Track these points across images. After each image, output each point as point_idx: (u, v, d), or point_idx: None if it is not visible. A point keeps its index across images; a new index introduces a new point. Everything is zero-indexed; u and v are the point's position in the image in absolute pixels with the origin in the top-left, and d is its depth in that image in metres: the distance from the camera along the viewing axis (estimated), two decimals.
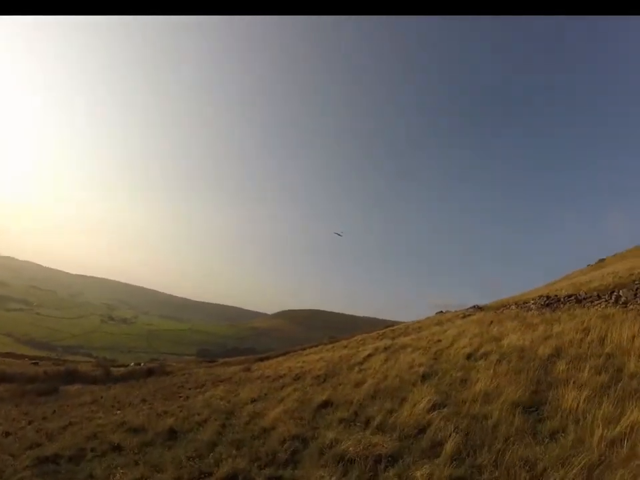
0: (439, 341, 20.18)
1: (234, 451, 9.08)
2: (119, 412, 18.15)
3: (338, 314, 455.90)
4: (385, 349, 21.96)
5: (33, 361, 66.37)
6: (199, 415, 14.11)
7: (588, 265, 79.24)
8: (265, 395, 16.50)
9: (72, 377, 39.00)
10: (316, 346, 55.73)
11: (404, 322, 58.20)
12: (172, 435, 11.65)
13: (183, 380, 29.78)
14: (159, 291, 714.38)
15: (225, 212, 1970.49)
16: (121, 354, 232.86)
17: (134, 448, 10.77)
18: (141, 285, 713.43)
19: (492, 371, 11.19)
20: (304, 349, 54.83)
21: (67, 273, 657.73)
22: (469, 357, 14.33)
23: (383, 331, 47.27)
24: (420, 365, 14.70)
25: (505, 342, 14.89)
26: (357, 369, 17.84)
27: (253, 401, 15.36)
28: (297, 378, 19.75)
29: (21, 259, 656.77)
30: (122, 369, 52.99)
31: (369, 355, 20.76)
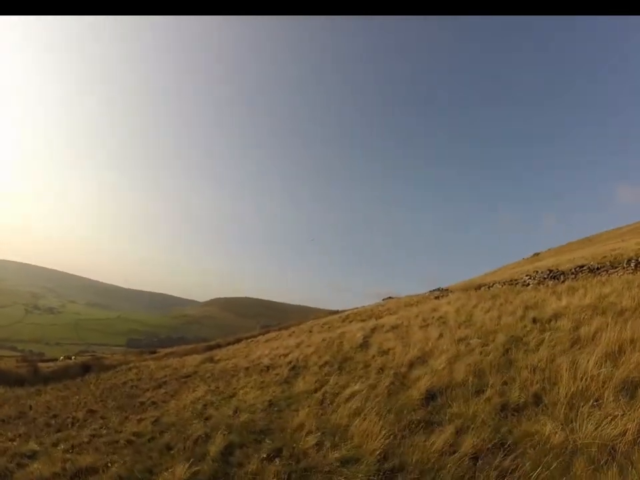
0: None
1: None
2: (59, 435, 12.71)
3: (269, 302, 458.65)
4: (376, 328, 19.34)
5: None
6: (205, 439, 9.05)
7: (523, 258, 79.96)
8: (285, 394, 12.33)
9: None
10: (265, 333, 53.26)
11: (348, 309, 56.87)
12: None
13: (132, 376, 24.16)
14: (87, 277, 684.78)
15: (157, 197, 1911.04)
16: (48, 347, 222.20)
17: None
18: (67, 271, 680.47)
19: None
20: (255, 336, 51.63)
21: None
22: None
23: (343, 315, 44.55)
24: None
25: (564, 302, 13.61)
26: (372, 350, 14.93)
27: (271, 404, 11.40)
28: (293, 367, 16.27)
29: None
30: (52, 365, 46.78)
31: (366, 337, 17.72)
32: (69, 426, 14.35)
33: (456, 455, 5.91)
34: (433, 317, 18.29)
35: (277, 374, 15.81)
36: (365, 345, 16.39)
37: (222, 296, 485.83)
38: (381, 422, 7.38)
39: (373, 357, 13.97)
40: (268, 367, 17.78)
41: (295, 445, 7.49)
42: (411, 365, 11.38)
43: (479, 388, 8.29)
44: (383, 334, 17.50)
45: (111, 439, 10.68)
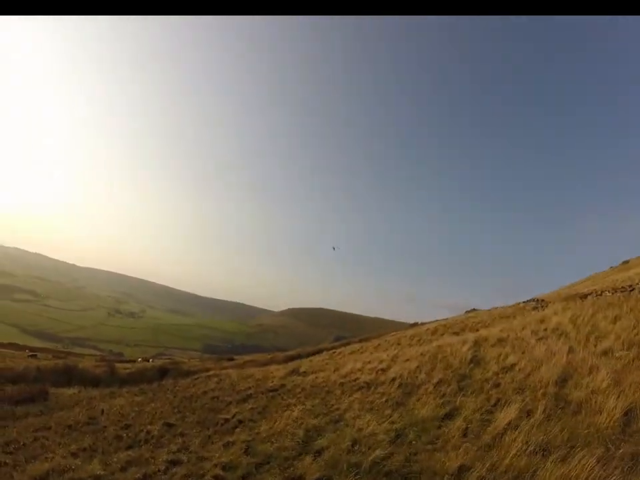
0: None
1: None
2: (130, 454, 10.47)
3: (342, 312, 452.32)
4: (479, 342, 16.95)
5: (32, 353, 60.46)
6: None
7: (610, 267, 73.87)
8: (406, 420, 9.65)
9: (70, 375, 32.07)
10: (346, 344, 52.13)
11: (428, 322, 55.45)
12: None
13: (213, 386, 21.80)
14: (166, 285, 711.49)
15: (236, 210, 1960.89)
16: (128, 348, 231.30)
17: None
18: (148, 279, 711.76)
19: None
20: (335, 348, 50.40)
21: (75, 265, 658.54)
22: None
23: (430, 327, 40.93)
24: None
25: None
26: (490, 367, 12.77)
27: (398, 435, 8.77)
28: (400, 385, 13.60)
29: (30, 250, 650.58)
30: (129, 366, 46.23)
31: (474, 351, 15.40)
32: (142, 442, 12.20)
33: None
34: (545, 329, 16.18)
35: (383, 393, 13.23)
36: (475, 360, 14.21)
37: (296, 306, 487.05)
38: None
39: (496, 374, 11.82)
40: (368, 384, 15.07)
41: None
42: (558, 384, 9.36)
43: None
44: (492, 348, 15.30)
45: (194, 471, 8.31)
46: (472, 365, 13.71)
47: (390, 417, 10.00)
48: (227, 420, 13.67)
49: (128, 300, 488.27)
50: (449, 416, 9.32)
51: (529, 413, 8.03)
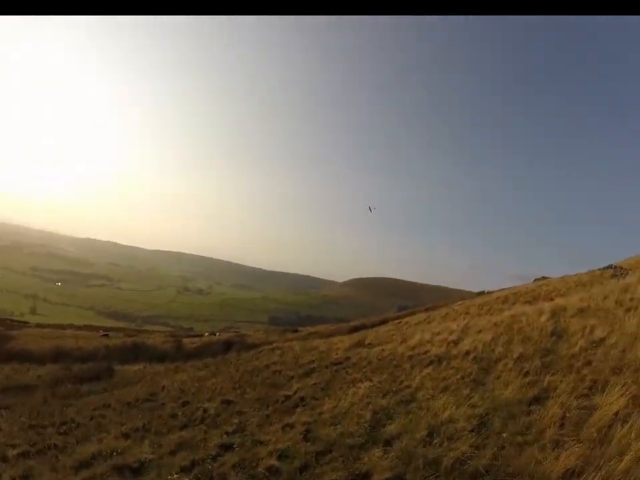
0: None
1: None
2: (182, 436, 9.71)
3: (405, 282, 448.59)
4: (557, 311, 15.47)
5: (104, 333, 62.92)
6: None
7: None
8: (487, 403, 8.34)
9: (137, 352, 32.60)
10: (411, 314, 50.77)
11: (496, 290, 53.36)
12: None
13: (276, 359, 21.07)
14: (231, 261, 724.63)
15: (292, 183, 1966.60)
16: (197, 323, 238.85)
17: None
18: (214, 257, 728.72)
19: None
20: (401, 317, 49.22)
21: (144, 249, 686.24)
22: None
23: (500, 295, 40.08)
24: None
25: None
26: (575, 340, 11.35)
27: (481, 421, 7.46)
28: (474, 359, 12.39)
29: (102, 239, 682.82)
30: (196, 340, 46.88)
31: (554, 322, 14.00)
32: (198, 422, 11.55)
33: None
34: (632, 299, 14.27)
35: (457, 368, 11.89)
36: (557, 332, 12.73)
37: (359, 276, 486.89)
38: None
39: (585, 349, 10.33)
40: (439, 358, 13.74)
41: None
42: None
43: None
44: (573, 319, 13.74)
45: (246, 458, 7.37)
46: (554, 338, 12.29)
47: (469, 398, 8.71)
48: (287, 397, 12.73)
49: (196, 278, 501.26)
50: (538, 399, 7.97)
51: (635, 400, 6.62)
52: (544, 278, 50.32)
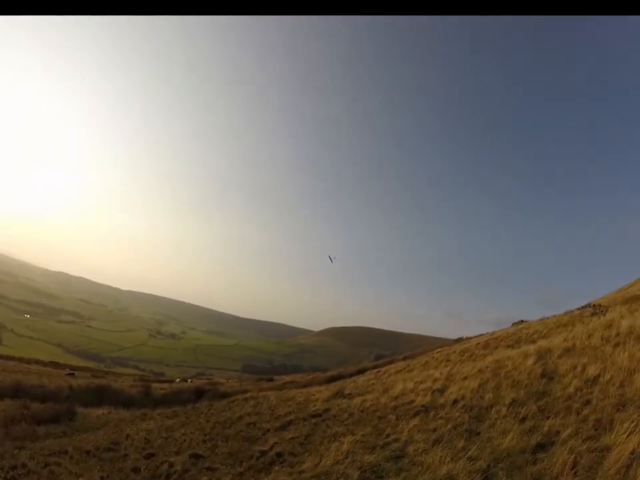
0: None
1: None
2: None
3: (381, 330, 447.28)
4: (542, 353, 15.52)
5: (70, 372, 60.47)
6: None
7: None
8: (487, 453, 7.67)
9: (102, 395, 30.88)
10: (389, 363, 49.66)
11: (474, 336, 54.01)
12: None
13: (250, 410, 19.73)
14: (206, 307, 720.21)
15: (268, 231, 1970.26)
16: (168, 368, 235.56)
17: None
18: (188, 302, 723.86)
19: None
20: (379, 367, 48.03)
21: (118, 288, 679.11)
22: None
23: (480, 341, 39.06)
24: None
25: None
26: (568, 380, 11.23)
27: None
28: (464, 408, 11.74)
29: (74, 274, 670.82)
30: (166, 387, 45.10)
31: (542, 364, 13.83)
32: (162, 478, 10.38)
33: None
34: (618, 334, 14.28)
35: (447, 418, 11.14)
36: (546, 374, 12.52)
37: (334, 325, 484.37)
38: None
39: (579, 389, 10.16)
40: (426, 408, 12.92)
41: None
42: None
43: None
44: (560, 359, 13.65)
45: None
46: (545, 380, 11.92)
47: (465, 450, 7.95)
48: (263, 452, 11.49)
49: (169, 322, 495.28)
50: (542, 446, 7.41)
51: None
52: (522, 321, 50.57)
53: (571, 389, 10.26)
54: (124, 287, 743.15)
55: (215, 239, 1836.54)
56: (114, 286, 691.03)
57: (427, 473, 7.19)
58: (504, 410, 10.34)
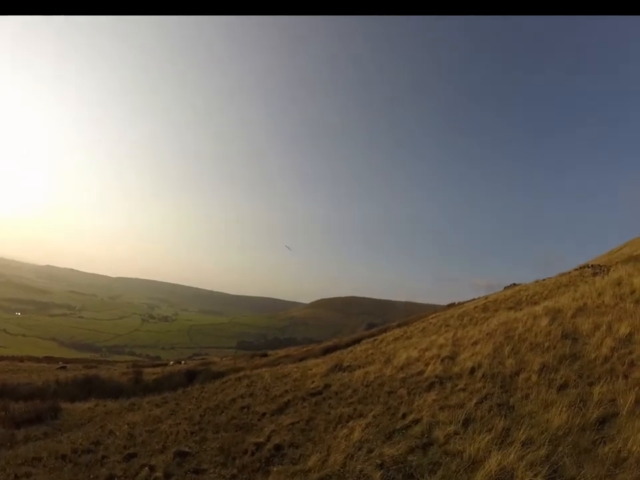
0: None
1: None
2: None
3: (373, 299, 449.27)
4: (553, 313, 14.36)
5: (62, 365, 59.02)
6: None
7: None
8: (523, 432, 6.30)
9: (90, 387, 29.38)
10: (385, 331, 47.48)
11: (468, 300, 52.70)
12: None
13: (243, 391, 18.07)
14: (197, 287, 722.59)
15: (251, 206, 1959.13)
16: (164, 351, 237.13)
17: None
18: (178, 283, 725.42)
19: None
20: (375, 335, 46.21)
21: (107, 276, 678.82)
22: None
23: (478, 304, 38.43)
24: None
25: None
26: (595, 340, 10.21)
27: None
28: (484, 377, 10.42)
29: (61, 266, 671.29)
30: (158, 371, 43.72)
31: (559, 324, 12.73)
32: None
33: None
34: (633, 292, 13.15)
35: (468, 390, 9.68)
36: (568, 334, 11.38)
37: (325, 296, 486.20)
38: None
39: (614, 349, 9.17)
40: (440, 379, 11.42)
41: None
42: None
43: None
44: (576, 319, 12.55)
45: None
46: (569, 341, 10.72)
47: (507, 432, 6.34)
48: (259, 445, 9.52)
49: (160, 305, 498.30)
50: (603, 420, 6.01)
51: None
52: (514, 285, 49.49)
53: (605, 350, 9.28)
54: (113, 274, 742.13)
55: (197, 217, 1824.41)
56: (103, 274, 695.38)
57: (471, 467, 5.52)
58: (534, 377, 9.11)
